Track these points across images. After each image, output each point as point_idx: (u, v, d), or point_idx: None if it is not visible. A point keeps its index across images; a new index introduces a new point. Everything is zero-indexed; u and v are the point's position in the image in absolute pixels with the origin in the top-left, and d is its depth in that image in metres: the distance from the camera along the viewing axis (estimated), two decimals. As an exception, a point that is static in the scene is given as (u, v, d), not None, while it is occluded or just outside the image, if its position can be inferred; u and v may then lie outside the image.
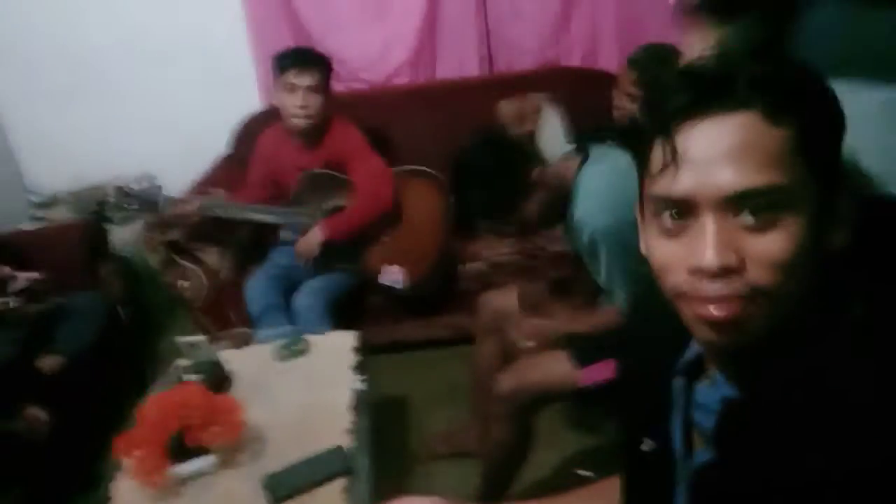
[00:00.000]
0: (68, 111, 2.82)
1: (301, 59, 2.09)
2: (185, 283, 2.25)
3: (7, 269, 1.93)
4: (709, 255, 0.52)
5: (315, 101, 2.09)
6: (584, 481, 1.74)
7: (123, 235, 2.53)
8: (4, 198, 2.76)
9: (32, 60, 2.75)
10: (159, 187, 2.47)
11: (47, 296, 2.09)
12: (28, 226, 2.60)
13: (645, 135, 0.58)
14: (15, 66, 2.76)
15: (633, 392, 0.77)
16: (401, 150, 2.48)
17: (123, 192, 2.23)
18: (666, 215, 0.56)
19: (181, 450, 1.29)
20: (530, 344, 1.56)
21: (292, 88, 2.07)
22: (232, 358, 1.72)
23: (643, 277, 0.76)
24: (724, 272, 0.52)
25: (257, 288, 2.11)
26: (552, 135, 2.22)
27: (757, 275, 0.52)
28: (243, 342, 1.90)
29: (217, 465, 1.32)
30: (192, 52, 2.73)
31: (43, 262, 2.14)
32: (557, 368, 1.42)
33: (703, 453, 0.64)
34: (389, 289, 2.17)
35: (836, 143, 0.55)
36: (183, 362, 1.64)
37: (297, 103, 2.07)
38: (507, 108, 2.54)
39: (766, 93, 0.52)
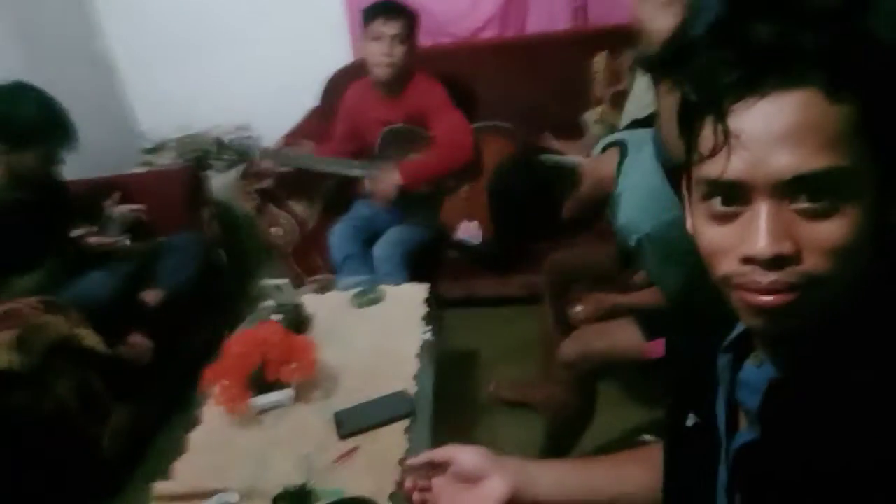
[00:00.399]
0: (177, 63, 3.00)
1: (387, 8, 2.12)
2: (276, 230, 2.39)
3: (113, 200, 2.12)
4: (762, 243, 0.49)
5: (399, 50, 2.12)
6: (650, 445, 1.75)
7: (221, 182, 2.69)
8: (117, 143, 3.00)
9: (146, 15, 2.93)
10: (255, 137, 2.62)
11: (150, 234, 2.28)
12: (137, 170, 2.81)
13: (694, 112, 0.54)
14: (131, 22, 2.95)
15: (680, 367, 0.76)
16: (486, 106, 2.47)
17: (221, 142, 2.38)
18: (716, 200, 0.52)
19: (261, 382, 1.40)
20: (581, 313, 1.55)
21: (378, 37, 2.11)
22: (313, 302, 1.82)
23: (692, 259, 0.75)
24: (778, 261, 0.49)
25: (340, 237, 2.21)
26: (642, 98, 2.14)
27: (813, 263, 0.49)
28: (326, 288, 2.02)
29: (292, 398, 1.42)
30: (289, 5, 2.81)
31: (147, 203, 2.32)
32: (624, 338, 1.40)
33: (746, 432, 0.63)
34: (465, 244, 2.21)
35: None
36: (269, 303, 1.76)
37: (383, 51, 2.11)
38: (599, 65, 2.46)
39: (828, 68, 0.48)
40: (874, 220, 0.50)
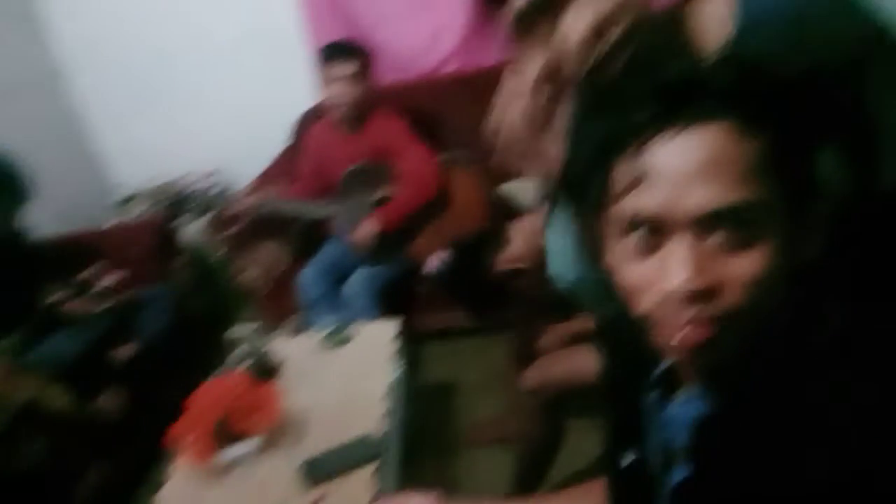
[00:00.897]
0: (147, 112, 3.02)
1: (338, 50, 2.15)
2: (248, 275, 2.39)
3: (96, 269, 2.11)
4: (682, 279, 0.49)
5: (354, 89, 2.14)
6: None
7: (193, 230, 2.70)
8: (90, 196, 3.01)
9: (114, 65, 2.95)
10: (224, 183, 2.63)
11: (123, 287, 2.27)
12: (109, 223, 2.82)
13: (608, 150, 0.54)
14: (99, 70, 2.96)
15: (612, 404, 0.76)
16: (451, 139, 2.50)
17: (191, 191, 2.39)
18: (633, 235, 0.53)
19: (227, 435, 1.39)
20: (544, 342, 1.56)
21: (332, 78, 2.14)
22: (284, 346, 1.82)
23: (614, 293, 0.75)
24: (698, 295, 0.49)
25: (309, 278, 2.21)
26: None
27: (732, 296, 0.50)
28: (299, 330, 2.01)
29: (259, 449, 1.41)
30: (255, 50, 2.84)
31: (119, 255, 2.31)
32: (583, 364, 1.40)
33: (680, 470, 0.63)
34: (436, 276, 2.21)
35: (812, 150, 0.52)
36: (238, 351, 1.75)
37: (338, 92, 2.14)
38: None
39: (740, 102, 0.49)
40: (788, 252, 0.51)
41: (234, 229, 2.33)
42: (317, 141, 2.34)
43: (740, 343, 0.52)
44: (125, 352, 2.06)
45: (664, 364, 0.66)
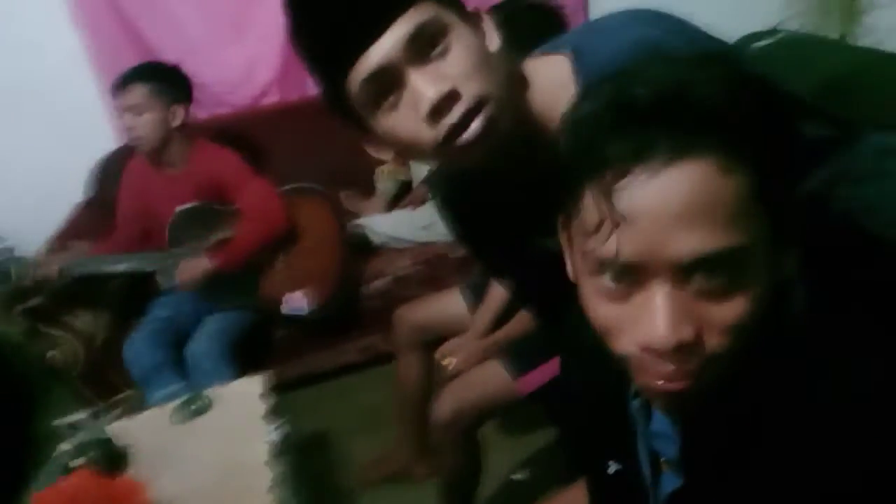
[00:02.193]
0: None
1: (120, 79, 1.88)
2: (56, 353, 2.00)
3: None
4: (663, 332, 0.45)
5: (141, 121, 1.87)
6: (521, 485, 1.73)
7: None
8: None
9: None
10: (11, 250, 2.20)
11: None
12: None
13: (572, 174, 0.49)
14: None
15: (589, 413, 0.72)
16: (279, 173, 2.34)
17: (-36, 261, 1.95)
18: (605, 278, 0.48)
19: (80, 551, 1.12)
20: (452, 363, 1.50)
21: (122, 109, 1.88)
22: (124, 430, 1.52)
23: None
24: (680, 349, 0.46)
25: (139, 347, 1.89)
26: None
27: (714, 343, 0.47)
28: (132, 409, 1.71)
29: (128, 559, 1.15)
30: (30, 98, 2.42)
31: None
32: (494, 381, 1.36)
33: (670, 478, 0.61)
34: (294, 318, 2.03)
35: (791, 174, 0.49)
36: (66, 446, 1.43)
37: (130, 125, 1.88)
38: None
39: (721, 136, 0.44)
40: (770, 280, 0.48)
41: (39, 300, 1.94)
42: (135, 182, 2.03)
43: (717, 380, 0.50)
44: None
45: None
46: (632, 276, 0.47)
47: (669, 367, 0.47)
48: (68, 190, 2.37)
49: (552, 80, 0.73)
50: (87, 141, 2.41)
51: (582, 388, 0.72)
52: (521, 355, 1.35)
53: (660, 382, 0.48)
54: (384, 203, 2.42)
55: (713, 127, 0.44)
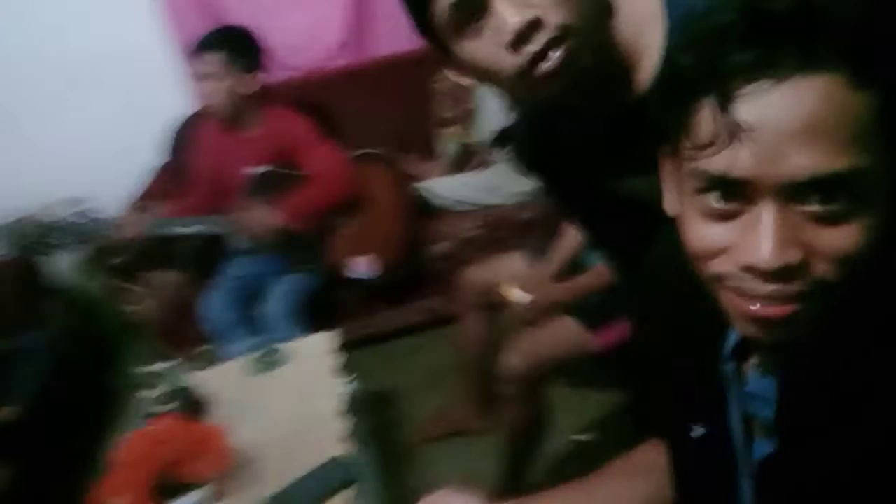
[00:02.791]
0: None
1: (196, 45, 1.91)
2: (137, 308, 2.11)
3: None
4: (768, 253, 0.43)
5: (220, 87, 1.90)
6: (583, 446, 1.72)
7: (67, 265, 2.34)
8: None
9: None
10: (95, 210, 2.31)
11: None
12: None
13: (689, 88, 0.46)
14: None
15: (673, 371, 0.70)
16: (346, 136, 2.36)
17: (56, 223, 2.06)
18: (712, 195, 0.46)
19: (170, 489, 1.19)
20: (521, 296, 1.46)
21: (198, 77, 1.93)
22: (203, 380, 1.60)
23: (667, 241, 0.70)
24: (783, 271, 0.43)
25: (214, 305, 1.97)
26: (491, 115, 2.14)
27: (822, 270, 0.44)
28: (208, 362, 1.79)
29: (212, 497, 1.22)
30: (110, 61, 2.50)
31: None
32: (567, 336, 1.35)
33: (763, 444, 0.59)
34: (359, 281, 2.08)
35: None
36: (149, 394, 1.51)
37: (208, 91, 1.92)
38: (442, 86, 2.45)
39: (852, 51, 0.41)
40: (889, 215, 0.45)
41: (119, 259, 2.05)
42: (208, 146, 2.08)
43: (823, 318, 0.47)
44: (2, 416, 1.73)
45: (735, 332, 0.61)
46: (741, 194, 0.45)
47: (771, 288, 0.45)
48: (146, 153, 2.46)
49: (640, 11, 0.71)
50: (163, 105, 2.49)
51: (665, 343, 0.71)
52: (595, 310, 1.34)
53: (757, 307, 0.46)
54: (447, 166, 2.42)
55: (844, 41, 0.42)
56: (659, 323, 0.72)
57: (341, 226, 2.07)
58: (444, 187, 2.26)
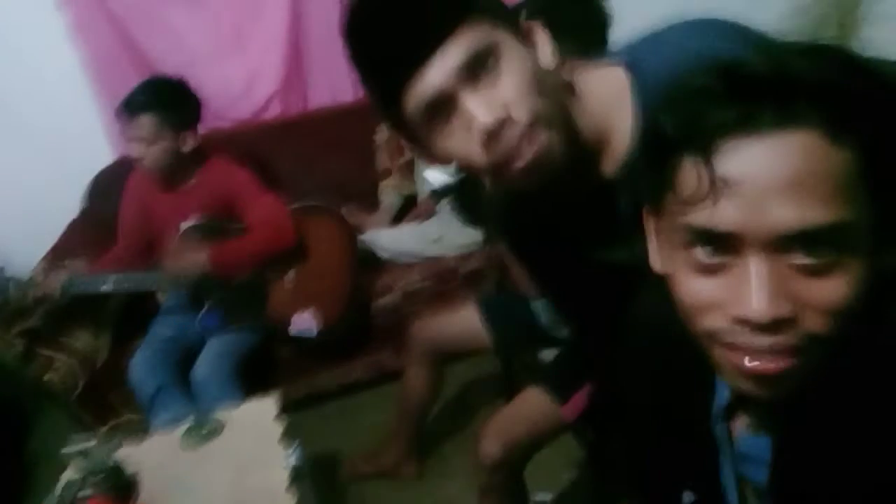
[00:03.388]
0: None
1: (126, 106, 1.79)
2: (53, 376, 1.92)
3: None
4: (759, 305, 0.44)
5: (151, 151, 1.79)
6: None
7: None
8: None
9: None
10: (1, 269, 2.12)
11: None
12: None
13: (673, 146, 0.47)
14: None
15: (660, 435, 0.68)
16: (286, 187, 2.29)
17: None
18: (700, 249, 0.47)
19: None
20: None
21: (126, 139, 1.82)
22: (131, 457, 1.46)
23: (650, 300, 0.68)
24: (776, 324, 0.44)
25: (143, 368, 1.81)
26: (430, 166, 2.13)
27: (813, 323, 0.45)
28: (137, 434, 1.63)
29: None
30: (22, 112, 2.35)
31: None
32: (539, 412, 1.30)
33: None
34: (302, 338, 1.97)
35: None
36: (73, 475, 1.37)
37: (137, 153, 1.80)
38: (381, 137, 2.44)
39: (831, 106, 0.43)
40: (872, 266, 0.46)
41: (28, 322, 1.87)
42: (137, 197, 1.96)
43: (815, 372, 0.47)
44: None
45: (724, 391, 0.60)
46: (728, 247, 0.46)
47: (765, 342, 0.45)
48: (61, 207, 2.30)
49: (606, 93, 0.73)
50: (80, 155, 2.34)
51: (652, 403, 0.69)
52: (562, 380, 1.30)
53: (752, 363, 0.46)
54: (389, 217, 2.38)
55: (821, 98, 0.43)
56: (646, 382, 0.70)
57: (282, 280, 1.97)
58: (386, 238, 2.21)
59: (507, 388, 1.82)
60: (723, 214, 0.44)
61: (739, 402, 0.59)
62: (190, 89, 1.92)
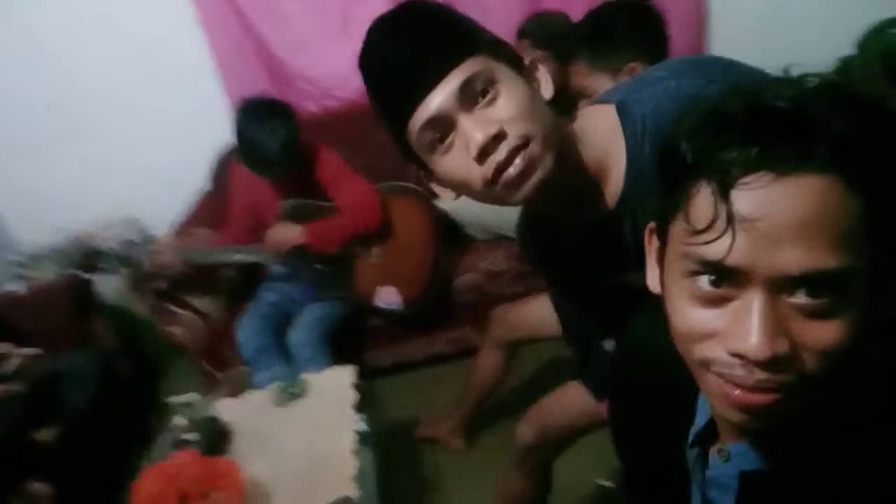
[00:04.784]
0: (47, 163, 2.75)
1: (261, 167, 1.94)
2: (178, 330, 2.21)
3: (4, 347, 1.85)
4: (757, 342, 0.44)
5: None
6: (606, 492, 1.69)
7: (112, 286, 2.47)
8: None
9: (8, 113, 2.68)
10: (140, 235, 2.43)
11: (37, 357, 2.04)
12: (12, 285, 2.54)
13: (689, 172, 0.47)
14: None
15: (639, 464, 0.70)
16: (379, 167, 2.41)
17: (105, 244, 2.18)
18: (703, 279, 0.47)
19: (183, 522, 1.25)
20: None
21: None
22: (230, 408, 1.67)
23: (637, 335, 0.70)
24: (773, 361, 0.44)
25: (248, 330, 2.05)
26: None
27: (808, 363, 0.45)
28: (241, 385, 1.86)
29: (222, 533, 1.27)
30: (162, 89, 2.64)
31: (30, 325, 2.09)
32: (578, 405, 1.34)
33: None
34: (386, 311, 2.12)
35: None
36: (179, 421, 1.59)
37: None
38: None
39: (851, 156, 0.43)
40: (867, 318, 0.46)
41: (159, 283, 2.15)
42: (243, 181, 2.17)
43: (801, 407, 0.48)
44: (47, 435, 1.84)
45: (702, 417, 0.61)
46: (732, 280, 0.46)
47: (758, 377, 0.45)
48: (193, 177, 2.58)
49: (600, 130, 0.77)
50: (210, 133, 2.60)
51: (638, 424, 0.71)
52: (601, 376, 1.32)
53: (744, 394, 0.47)
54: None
55: (841, 145, 0.43)
56: (633, 401, 0.72)
57: (368, 257, 2.11)
58: (468, 211, 2.25)
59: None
60: (733, 249, 0.44)
61: (714, 429, 0.60)
62: (292, 112, 1.99)
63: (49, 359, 2.04)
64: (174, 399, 1.57)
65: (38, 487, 1.70)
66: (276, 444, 1.53)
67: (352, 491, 1.34)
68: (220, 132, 2.60)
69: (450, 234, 2.24)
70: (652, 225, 0.55)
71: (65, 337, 2.16)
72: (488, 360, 1.84)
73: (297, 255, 2.04)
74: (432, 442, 2.02)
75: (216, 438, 1.53)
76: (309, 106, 2.63)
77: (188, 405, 1.58)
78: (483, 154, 0.69)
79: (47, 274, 2.60)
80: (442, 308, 2.21)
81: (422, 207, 2.14)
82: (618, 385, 0.76)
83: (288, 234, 2.01)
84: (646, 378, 0.69)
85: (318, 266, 2.09)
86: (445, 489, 1.91)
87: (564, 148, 0.73)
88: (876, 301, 0.47)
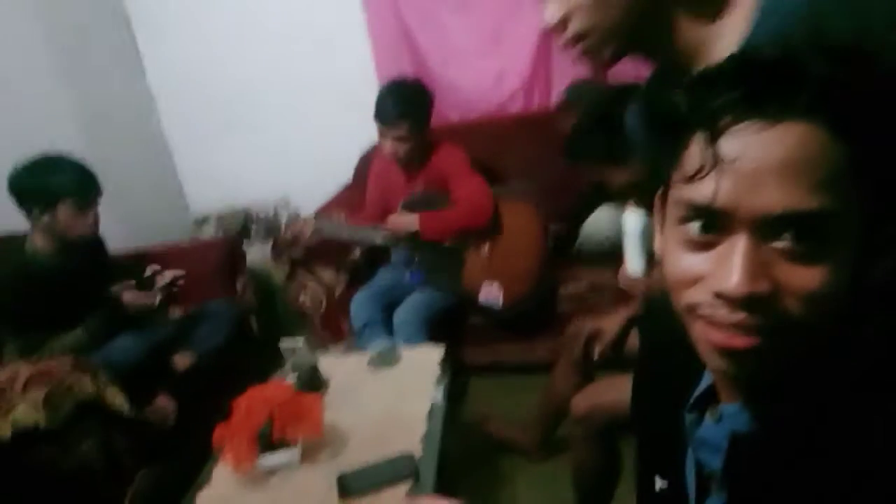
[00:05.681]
0: (225, 139, 3.21)
1: (384, 115, 2.14)
2: (305, 297, 2.45)
3: (156, 266, 2.20)
4: (737, 280, 0.45)
5: (404, 147, 2.17)
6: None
7: (258, 253, 2.80)
8: (169, 216, 3.19)
9: (198, 93, 3.15)
10: (291, 211, 2.72)
11: (187, 301, 2.37)
12: (185, 242, 2.96)
13: (683, 125, 0.50)
14: (183, 99, 3.18)
15: (645, 425, 0.72)
16: (512, 180, 2.52)
17: (256, 216, 2.48)
18: (693, 225, 0.49)
19: (268, 442, 1.41)
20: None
21: (382, 135, 2.19)
22: (331, 363, 1.84)
23: (657, 298, 0.73)
24: (751, 301, 0.46)
25: (361, 304, 2.24)
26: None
27: (789, 306, 0.46)
28: (348, 351, 2.04)
29: (299, 458, 1.42)
30: (327, 84, 2.98)
31: (187, 271, 2.43)
32: (627, 392, 1.35)
33: (716, 497, 0.59)
34: (488, 309, 2.20)
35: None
36: (287, 362, 1.79)
37: (389, 150, 2.19)
38: None
39: (837, 103, 0.45)
40: (853, 269, 0.47)
41: (295, 251, 2.41)
42: (379, 173, 2.40)
43: (787, 357, 0.49)
44: (183, 361, 2.14)
45: (705, 381, 0.62)
46: (720, 226, 0.48)
47: (737, 317, 0.47)
48: (341, 168, 2.87)
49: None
50: (359, 129, 2.86)
51: (648, 395, 0.73)
52: None
53: (726, 336, 0.48)
54: None
55: (824, 94, 0.45)
56: (650, 366, 0.75)
57: (478, 253, 2.22)
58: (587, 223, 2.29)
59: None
60: (718, 191, 0.46)
61: (711, 393, 0.62)
62: (427, 91, 2.25)
63: (197, 303, 2.37)
64: (285, 342, 1.77)
65: (166, 402, 1.98)
66: (361, 398, 1.67)
67: (417, 450, 1.43)
68: (367, 132, 2.88)
69: (560, 244, 2.28)
70: (660, 192, 0.57)
71: (214, 287, 2.48)
72: (565, 373, 1.83)
73: (411, 241, 2.20)
74: (510, 444, 2.04)
75: (313, 383, 1.69)
76: (451, 115, 2.82)
77: (295, 350, 1.77)
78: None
79: (212, 234, 3.00)
80: (544, 316, 2.25)
81: (534, 214, 2.22)
82: (640, 350, 0.79)
83: (404, 220, 2.20)
84: (661, 342, 0.70)
85: (429, 253, 2.23)
86: (516, 488, 1.93)
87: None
88: (869, 254, 0.47)
